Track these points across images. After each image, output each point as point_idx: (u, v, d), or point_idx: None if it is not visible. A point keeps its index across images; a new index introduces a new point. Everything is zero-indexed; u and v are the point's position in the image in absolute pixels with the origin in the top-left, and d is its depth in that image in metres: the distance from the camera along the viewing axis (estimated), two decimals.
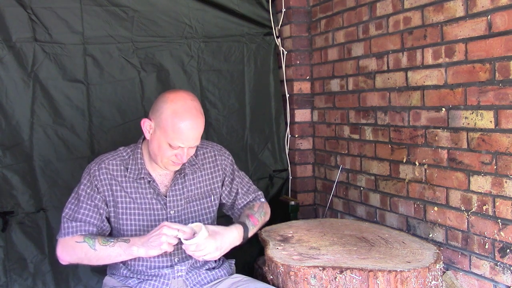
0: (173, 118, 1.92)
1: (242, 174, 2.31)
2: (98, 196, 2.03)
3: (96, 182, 2.04)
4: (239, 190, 2.25)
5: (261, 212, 2.23)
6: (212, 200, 2.20)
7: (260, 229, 2.28)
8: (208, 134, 3.16)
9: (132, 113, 2.95)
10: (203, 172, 2.17)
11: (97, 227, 2.03)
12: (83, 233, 1.99)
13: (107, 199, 2.04)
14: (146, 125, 2.00)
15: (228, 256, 2.32)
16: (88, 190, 2.04)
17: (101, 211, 2.04)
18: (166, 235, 1.87)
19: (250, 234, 2.11)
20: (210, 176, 2.19)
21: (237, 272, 2.24)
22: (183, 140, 1.93)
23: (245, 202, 2.26)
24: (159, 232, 1.88)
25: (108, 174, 2.05)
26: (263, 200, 2.31)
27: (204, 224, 1.96)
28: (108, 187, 2.04)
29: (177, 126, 1.91)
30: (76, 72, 2.85)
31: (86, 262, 2.01)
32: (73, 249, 1.98)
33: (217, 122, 3.21)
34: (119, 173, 2.06)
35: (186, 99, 1.97)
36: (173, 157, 1.98)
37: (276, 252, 2.11)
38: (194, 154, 2.14)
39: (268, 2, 3.36)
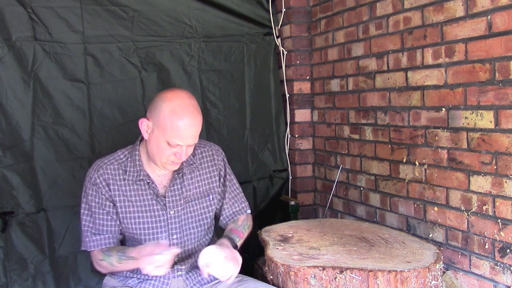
0: (171, 117, 1.91)
1: (234, 179, 2.29)
2: (107, 203, 2.05)
3: (100, 190, 2.04)
4: (227, 195, 2.24)
5: (245, 226, 2.23)
6: (211, 199, 2.19)
7: (247, 238, 2.27)
8: (209, 134, 3.16)
9: (133, 112, 2.95)
10: (201, 172, 2.17)
11: (115, 235, 2.07)
12: (103, 247, 2.05)
13: (113, 203, 2.06)
14: (144, 125, 2.00)
15: None
16: (97, 199, 2.05)
17: (114, 216, 2.06)
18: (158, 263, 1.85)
19: (239, 243, 2.14)
20: (208, 176, 2.19)
21: None
22: (181, 138, 1.93)
23: (230, 211, 2.24)
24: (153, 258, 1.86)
25: (107, 180, 2.05)
26: (248, 211, 2.31)
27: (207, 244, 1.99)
28: (110, 193, 2.05)
29: (175, 124, 1.91)
30: (76, 72, 2.85)
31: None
32: (101, 266, 2.07)
33: (218, 122, 3.21)
34: (117, 177, 2.06)
35: (184, 97, 1.97)
36: (172, 157, 1.98)
37: (276, 252, 2.11)
38: (192, 154, 2.14)
39: (268, 2, 3.36)
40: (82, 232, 2.08)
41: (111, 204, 2.05)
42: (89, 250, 2.07)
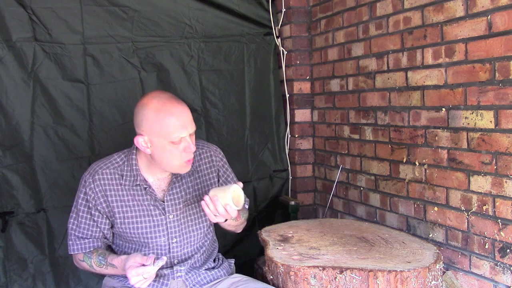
0: (159, 116, 1.88)
1: (234, 176, 2.29)
2: (95, 209, 2.03)
3: (93, 195, 2.02)
4: None
5: (243, 213, 2.22)
6: None
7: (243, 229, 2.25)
8: (209, 134, 3.16)
9: (132, 113, 2.92)
10: (200, 174, 2.15)
11: (99, 239, 2.07)
12: (84, 251, 2.06)
13: (105, 210, 2.04)
14: (141, 142, 1.94)
15: (228, 256, 2.33)
16: (84, 202, 2.04)
17: (100, 225, 2.05)
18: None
19: (233, 222, 2.09)
20: (207, 177, 2.16)
21: (237, 272, 2.23)
22: (180, 129, 1.89)
23: None
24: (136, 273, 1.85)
25: (102, 186, 2.02)
26: (247, 206, 2.30)
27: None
28: (104, 198, 2.03)
29: (167, 121, 1.88)
30: (76, 72, 2.86)
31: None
32: (81, 266, 2.11)
33: (217, 122, 3.21)
34: (114, 182, 2.03)
35: (159, 95, 1.95)
36: (183, 154, 1.94)
37: (276, 252, 2.11)
38: None
39: (268, 2, 3.36)
40: (68, 235, 2.09)
41: (98, 213, 2.03)
42: (71, 253, 2.09)
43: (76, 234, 2.05)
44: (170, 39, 3.07)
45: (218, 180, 2.20)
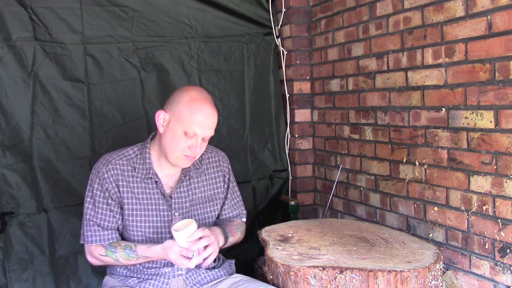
0: (190, 104, 1.95)
1: (236, 185, 2.32)
2: (111, 199, 2.05)
3: (107, 185, 2.04)
4: (227, 201, 2.26)
5: (238, 228, 2.26)
6: (215, 204, 2.21)
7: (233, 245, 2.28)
8: None
9: (132, 113, 2.95)
10: (207, 177, 2.19)
11: (116, 231, 2.08)
12: (104, 243, 2.05)
13: (118, 200, 2.06)
14: (160, 117, 2.00)
15: (228, 256, 2.33)
16: (101, 193, 2.05)
17: (116, 214, 2.06)
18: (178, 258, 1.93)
19: (230, 239, 2.16)
20: (214, 181, 2.20)
21: (237, 272, 2.24)
22: (199, 126, 1.95)
23: (228, 215, 2.27)
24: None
25: (116, 175, 2.05)
26: (244, 219, 2.33)
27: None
28: (116, 188, 2.05)
29: (194, 111, 1.94)
30: (76, 72, 2.85)
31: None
32: (101, 261, 2.09)
33: (217, 122, 3.20)
34: (126, 173, 2.06)
35: (202, 91, 2.06)
36: (187, 150, 1.97)
37: (276, 252, 2.11)
38: (199, 159, 2.14)
39: (268, 2, 3.36)
40: (84, 226, 2.07)
41: (114, 202, 2.05)
42: (89, 244, 2.07)
43: (95, 225, 2.05)
44: (170, 39, 3.07)
45: (224, 186, 2.22)
